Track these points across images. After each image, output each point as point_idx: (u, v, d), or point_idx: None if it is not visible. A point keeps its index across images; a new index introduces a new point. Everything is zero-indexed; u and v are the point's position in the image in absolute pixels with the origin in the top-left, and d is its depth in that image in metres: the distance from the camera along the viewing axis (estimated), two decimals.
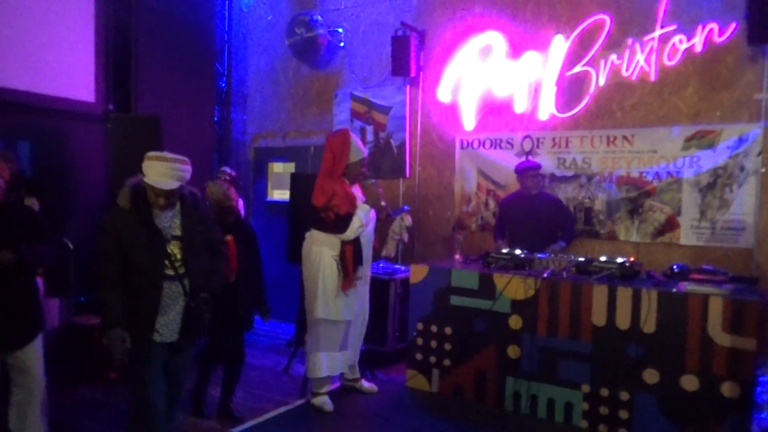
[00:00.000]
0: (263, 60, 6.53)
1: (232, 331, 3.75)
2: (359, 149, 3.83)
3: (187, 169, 2.80)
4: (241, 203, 5.05)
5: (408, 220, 4.02)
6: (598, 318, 3.52)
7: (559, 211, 4.65)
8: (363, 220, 3.73)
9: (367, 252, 3.90)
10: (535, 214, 4.52)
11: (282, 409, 3.88)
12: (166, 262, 2.78)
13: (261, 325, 6.17)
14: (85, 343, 4.35)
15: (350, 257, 3.74)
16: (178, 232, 2.85)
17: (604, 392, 3.50)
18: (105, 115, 5.16)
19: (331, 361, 3.83)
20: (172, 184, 2.72)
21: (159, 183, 2.70)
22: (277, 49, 6.37)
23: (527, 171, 4.56)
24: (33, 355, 3.04)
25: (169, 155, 2.76)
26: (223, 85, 6.65)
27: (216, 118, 6.52)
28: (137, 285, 2.74)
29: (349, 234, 3.70)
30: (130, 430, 2.86)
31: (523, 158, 4.93)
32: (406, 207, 4.14)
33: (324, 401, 3.83)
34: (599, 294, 3.52)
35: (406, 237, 4.05)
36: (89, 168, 5.16)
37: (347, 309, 3.80)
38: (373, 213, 3.81)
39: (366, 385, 4.12)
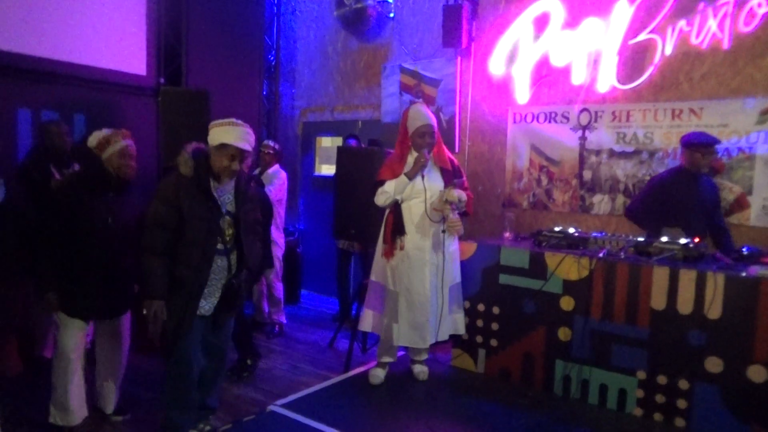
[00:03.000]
0: (312, 33, 6.45)
1: None
2: (417, 117, 3.67)
3: (253, 137, 2.83)
4: (284, 177, 5.04)
5: (453, 194, 3.58)
6: (658, 302, 3.31)
7: (717, 199, 4.00)
8: (392, 191, 3.62)
9: (420, 226, 3.66)
10: (699, 198, 3.84)
11: (325, 383, 3.86)
12: (218, 236, 2.78)
13: (306, 300, 6.24)
14: (141, 313, 4.44)
15: (388, 225, 3.70)
16: (231, 208, 2.86)
17: (662, 380, 3.30)
18: (156, 89, 5.22)
19: (374, 320, 3.82)
20: (247, 146, 2.75)
21: (239, 143, 2.71)
22: (326, 22, 6.27)
23: (706, 146, 3.76)
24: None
25: (239, 121, 2.79)
26: (272, 58, 6.62)
27: (264, 92, 6.52)
28: (188, 256, 2.71)
29: (377, 201, 3.69)
30: (169, 400, 2.89)
31: (579, 132, 4.69)
32: (456, 179, 3.71)
33: (373, 373, 3.83)
34: (660, 276, 3.30)
35: (450, 213, 3.60)
36: (141, 140, 5.18)
37: (392, 278, 3.70)
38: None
39: (416, 369, 3.95)
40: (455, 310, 3.86)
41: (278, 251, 5.01)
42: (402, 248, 3.66)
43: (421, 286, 3.63)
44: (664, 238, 3.51)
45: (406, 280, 3.65)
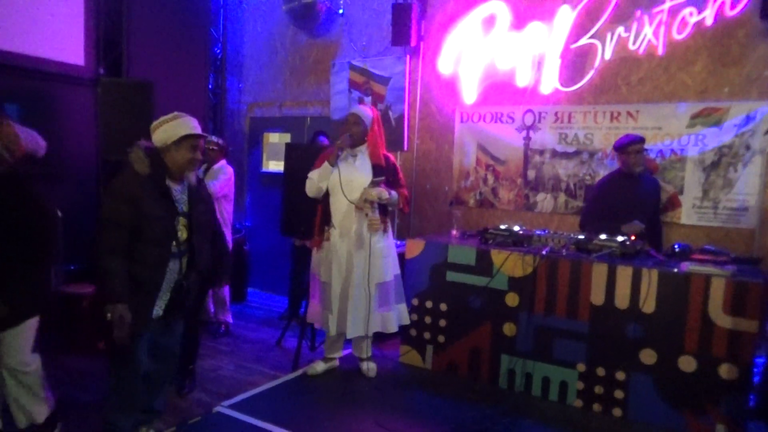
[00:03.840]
0: (260, 26, 6.34)
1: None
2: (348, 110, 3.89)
3: (198, 124, 2.79)
4: (231, 172, 4.94)
5: (372, 192, 3.63)
6: (597, 297, 3.45)
7: (658, 196, 4.18)
8: (316, 177, 3.72)
9: (345, 219, 3.70)
10: (639, 197, 3.98)
11: (273, 383, 3.83)
12: (173, 238, 2.71)
13: (253, 299, 6.15)
14: (75, 313, 4.28)
15: (318, 217, 3.83)
16: (186, 209, 2.79)
17: (600, 372, 3.45)
18: (95, 79, 5.01)
19: (314, 312, 3.92)
20: (201, 131, 2.73)
21: (198, 130, 2.70)
22: (275, 16, 6.18)
23: (629, 145, 3.95)
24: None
25: (182, 113, 2.75)
26: (219, 51, 6.47)
27: (211, 86, 6.36)
28: (146, 256, 2.63)
29: (306, 189, 3.78)
30: (112, 402, 2.79)
31: (524, 133, 4.82)
32: (377, 178, 3.69)
33: (312, 365, 3.96)
34: (599, 273, 3.44)
35: (370, 211, 3.67)
36: (79, 133, 5.02)
37: (322, 268, 3.82)
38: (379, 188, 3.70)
39: (363, 366, 3.96)
40: (390, 306, 3.84)
41: None
42: (328, 239, 3.75)
43: (341, 279, 3.72)
44: (603, 236, 3.67)
45: (334, 271, 3.73)
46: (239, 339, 4.82)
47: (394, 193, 3.75)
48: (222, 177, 4.71)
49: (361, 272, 3.70)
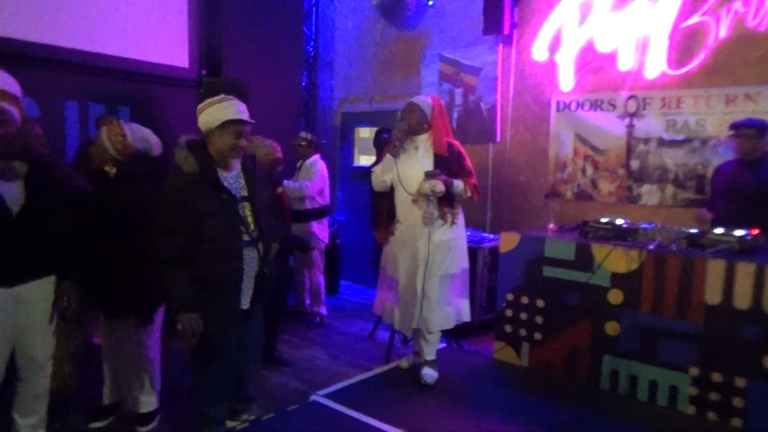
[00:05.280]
0: (350, 23, 6.42)
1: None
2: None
3: (245, 109, 2.64)
4: (323, 168, 5.02)
5: (424, 186, 3.39)
6: (712, 296, 3.17)
7: None
8: (379, 170, 3.58)
9: (409, 213, 3.53)
10: (739, 185, 3.67)
11: (365, 374, 3.85)
12: (242, 227, 2.60)
13: (346, 291, 6.25)
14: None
15: (384, 209, 3.67)
16: (245, 193, 2.69)
17: (716, 377, 3.18)
18: (198, 80, 5.27)
19: (380, 302, 3.82)
20: (248, 117, 2.58)
21: (242, 115, 2.54)
22: (365, 11, 6.23)
23: (741, 128, 3.67)
24: None
25: (228, 96, 2.62)
26: (311, 49, 6.61)
27: (303, 83, 6.52)
28: (213, 256, 2.52)
29: (372, 182, 3.67)
30: (201, 395, 2.80)
31: (627, 120, 4.54)
32: (433, 170, 3.43)
33: (402, 359, 3.88)
34: (715, 269, 3.16)
35: (426, 205, 3.44)
36: (183, 131, 5.29)
37: (389, 262, 3.69)
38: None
39: (422, 371, 3.62)
40: (452, 301, 3.63)
41: (320, 244, 5.02)
42: (393, 233, 3.62)
43: (406, 273, 3.56)
44: (718, 230, 3.37)
45: (398, 265, 3.60)
46: (333, 330, 4.92)
47: (458, 182, 3.48)
48: (315, 176, 4.81)
49: (423, 267, 3.51)
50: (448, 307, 3.63)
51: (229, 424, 2.99)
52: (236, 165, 2.68)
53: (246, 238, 2.61)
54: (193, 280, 2.51)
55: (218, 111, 2.55)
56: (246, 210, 2.66)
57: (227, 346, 2.72)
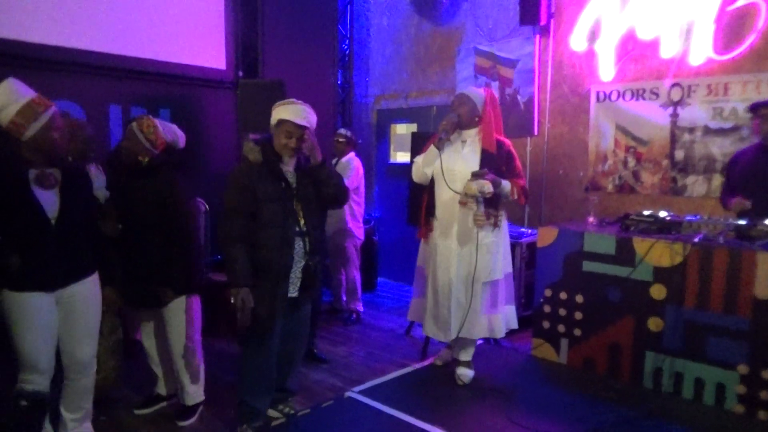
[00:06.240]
0: (385, 20, 6.40)
1: None
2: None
3: (313, 116, 2.84)
4: (358, 165, 5.03)
5: (472, 186, 3.24)
6: (763, 290, 3.03)
7: None
8: (420, 161, 3.52)
9: (449, 210, 3.43)
10: (763, 172, 3.49)
11: (401, 371, 3.84)
12: (294, 217, 2.81)
13: (383, 288, 6.25)
14: (218, 298, 4.61)
15: (423, 205, 3.62)
16: (297, 189, 2.87)
17: (767, 375, 3.03)
18: (235, 82, 5.36)
19: (414, 306, 3.82)
20: (304, 122, 2.76)
21: (295, 118, 2.74)
22: (399, 7, 6.21)
23: (762, 108, 3.53)
24: None
25: (298, 101, 2.84)
26: (346, 47, 6.63)
27: (339, 81, 6.55)
28: (268, 239, 2.73)
29: (413, 174, 3.63)
30: (245, 385, 2.91)
31: (670, 110, 4.37)
32: (481, 170, 3.30)
33: (439, 354, 3.88)
34: (765, 262, 3.01)
35: (474, 206, 3.32)
36: (222, 132, 5.41)
37: (427, 259, 3.62)
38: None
39: (457, 371, 3.60)
40: (499, 307, 3.52)
41: (356, 241, 5.03)
42: (432, 231, 3.54)
43: (445, 275, 3.43)
44: None
45: (436, 267, 3.49)
46: (369, 327, 4.92)
47: (506, 183, 3.34)
48: (350, 173, 4.82)
49: (464, 270, 3.39)
50: (496, 314, 3.52)
51: (269, 412, 3.08)
52: (292, 163, 2.89)
53: (297, 229, 2.82)
54: (249, 260, 2.71)
55: (280, 111, 2.79)
56: (297, 204, 2.85)
57: (275, 331, 2.84)
